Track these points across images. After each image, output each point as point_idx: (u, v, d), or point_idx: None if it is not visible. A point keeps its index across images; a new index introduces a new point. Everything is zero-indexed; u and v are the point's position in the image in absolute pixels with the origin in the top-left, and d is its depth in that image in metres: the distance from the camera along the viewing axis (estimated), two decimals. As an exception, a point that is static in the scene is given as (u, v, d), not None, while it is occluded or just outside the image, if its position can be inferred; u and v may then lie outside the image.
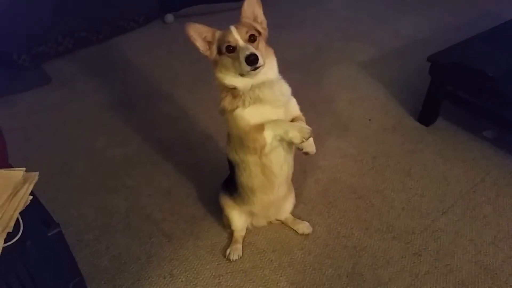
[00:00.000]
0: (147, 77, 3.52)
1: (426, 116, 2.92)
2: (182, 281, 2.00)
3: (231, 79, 1.68)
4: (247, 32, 1.62)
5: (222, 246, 2.16)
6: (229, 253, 2.09)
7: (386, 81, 3.36)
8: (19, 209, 1.11)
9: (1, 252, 1.04)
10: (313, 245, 2.15)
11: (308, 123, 2.93)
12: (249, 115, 1.69)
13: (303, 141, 1.70)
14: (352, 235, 2.20)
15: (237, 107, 1.69)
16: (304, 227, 2.22)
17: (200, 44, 1.69)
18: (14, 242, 1.36)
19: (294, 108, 1.84)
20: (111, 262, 2.09)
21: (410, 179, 2.52)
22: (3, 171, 1.19)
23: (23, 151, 2.77)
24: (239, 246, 2.13)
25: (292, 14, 4.45)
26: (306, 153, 1.79)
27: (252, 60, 1.55)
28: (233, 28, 1.62)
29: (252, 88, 1.67)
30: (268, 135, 1.68)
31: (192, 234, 2.22)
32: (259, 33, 1.68)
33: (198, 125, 2.99)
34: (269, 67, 1.69)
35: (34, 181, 1.18)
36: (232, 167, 1.92)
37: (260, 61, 1.58)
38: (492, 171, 2.55)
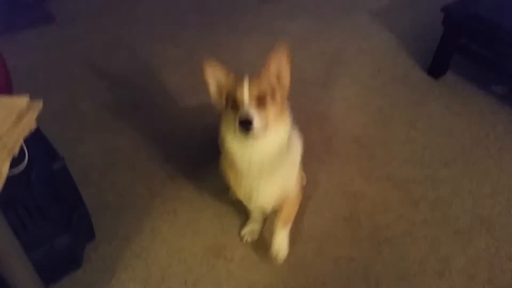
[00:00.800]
0: (152, 18, 3.45)
1: (436, 68, 2.87)
2: (184, 218, 2.06)
3: (232, 141, 1.52)
4: (257, 93, 1.43)
5: (224, 187, 2.20)
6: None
7: (398, 31, 3.28)
8: (24, 135, 1.13)
9: (8, 180, 1.06)
10: (313, 191, 2.18)
11: (316, 72, 2.91)
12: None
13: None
14: (352, 183, 2.23)
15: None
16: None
17: (212, 89, 1.55)
18: (20, 172, 1.40)
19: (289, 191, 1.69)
20: (115, 199, 2.15)
21: (414, 131, 2.51)
22: (7, 98, 1.20)
23: (27, 89, 2.71)
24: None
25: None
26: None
27: (246, 125, 1.38)
28: (245, 83, 1.43)
29: (249, 163, 1.52)
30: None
31: (195, 176, 2.26)
32: (275, 96, 1.48)
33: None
34: (274, 136, 1.49)
35: (38, 109, 1.20)
36: None
37: (256, 125, 1.38)
38: (497, 126, 2.53)
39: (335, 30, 3.32)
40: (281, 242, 1.81)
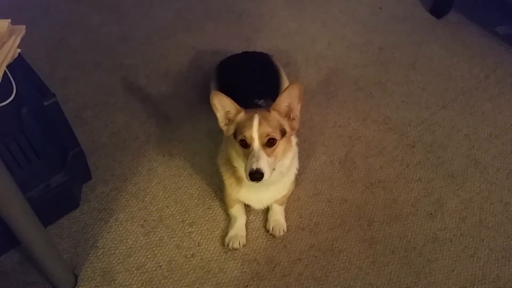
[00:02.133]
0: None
1: (438, 6, 2.76)
2: (180, 159, 2.06)
3: (239, 166, 1.59)
4: (267, 135, 1.44)
5: (218, 132, 2.18)
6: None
7: (402, -34, 3.12)
8: (7, 62, 1.07)
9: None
10: (309, 134, 2.17)
11: (314, 7, 2.79)
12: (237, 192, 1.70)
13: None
14: (348, 125, 2.22)
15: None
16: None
17: (220, 116, 1.55)
18: (9, 104, 1.36)
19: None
20: (110, 139, 2.13)
21: (414, 72, 2.47)
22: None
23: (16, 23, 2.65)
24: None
25: None
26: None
27: (256, 178, 1.42)
28: (255, 123, 1.44)
29: (253, 185, 1.56)
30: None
31: (190, 117, 2.23)
32: (284, 133, 1.50)
33: (197, 3, 2.83)
34: (279, 167, 1.55)
35: (21, 34, 1.13)
36: None
37: (266, 177, 1.43)
38: (498, 68, 2.49)
39: (336, -37, 3.15)
40: (278, 217, 1.82)
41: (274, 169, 1.49)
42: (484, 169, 2.06)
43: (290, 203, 1.89)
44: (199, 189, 1.96)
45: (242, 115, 1.51)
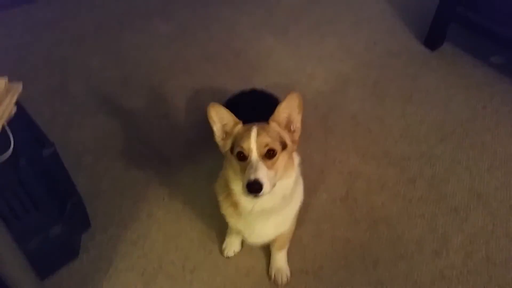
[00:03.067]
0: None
1: (432, 39, 2.80)
2: (180, 202, 2.05)
3: (236, 189, 1.44)
4: (266, 145, 1.33)
5: (219, 170, 2.18)
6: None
7: (394, 2, 3.18)
8: (3, 120, 1.08)
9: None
10: (309, 171, 2.15)
11: (310, 45, 2.84)
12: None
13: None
14: (348, 161, 2.21)
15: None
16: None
17: (217, 130, 1.45)
18: (6, 159, 1.36)
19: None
20: (110, 184, 2.13)
21: (411, 105, 2.48)
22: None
23: (18, 72, 2.71)
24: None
25: None
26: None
27: (254, 189, 1.28)
28: (253, 133, 1.33)
29: (252, 208, 1.45)
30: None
31: (190, 158, 2.23)
32: (284, 146, 1.39)
33: (195, 45, 2.88)
34: (281, 186, 1.41)
35: (18, 92, 1.14)
36: None
37: (265, 189, 1.29)
38: (495, 98, 2.50)
39: (329, 1, 3.22)
40: (280, 265, 1.77)
41: (274, 185, 1.36)
42: (487, 201, 2.03)
43: (292, 245, 1.86)
44: (199, 232, 1.94)
45: (239, 127, 1.42)
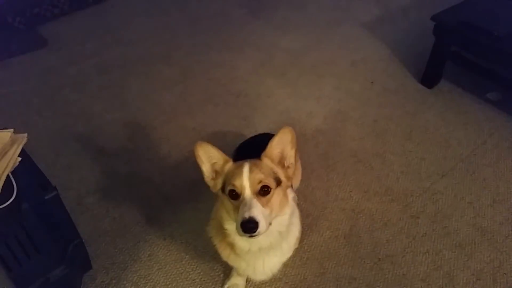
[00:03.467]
0: (145, 39, 3.45)
1: (429, 77, 2.87)
2: (181, 242, 2.03)
3: (231, 229, 1.39)
4: (260, 182, 1.28)
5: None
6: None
7: (390, 42, 3.28)
8: (8, 170, 1.10)
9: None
10: (311, 208, 2.15)
11: (308, 85, 2.90)
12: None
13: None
14: (351, 198, 2.21)
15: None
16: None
17: (206, 169, 1.39)
18: (9, 204, 1.37)
19: None
20: (111, 225, 2.12)
21: (410, 142, 2.50)
22: (-10, 133, 1.18)
23: (22, 116, 2.76)
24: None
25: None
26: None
27: (249, 228, 1.23)
28: (245, 170, 1.29)
29: (248, 248, 1.42)
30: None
31: (191, 197, 2.23)
32: (279, 182, 1.35)
33: (197, 88, 2.95)
34: (276, 224, 1.37)
35: (23, 143, 1.17)
36: None
37: (261, 228, 1.24)
38: (494, 133, 2.52)
39: (327, 43, 3.32)
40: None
41: (270, 224, 1.31)
42: (492, 237, 2.01)
43: (296, 285, 1.83)
44: (201, 273, 1.90)
45: (230, 165, 1.36)
